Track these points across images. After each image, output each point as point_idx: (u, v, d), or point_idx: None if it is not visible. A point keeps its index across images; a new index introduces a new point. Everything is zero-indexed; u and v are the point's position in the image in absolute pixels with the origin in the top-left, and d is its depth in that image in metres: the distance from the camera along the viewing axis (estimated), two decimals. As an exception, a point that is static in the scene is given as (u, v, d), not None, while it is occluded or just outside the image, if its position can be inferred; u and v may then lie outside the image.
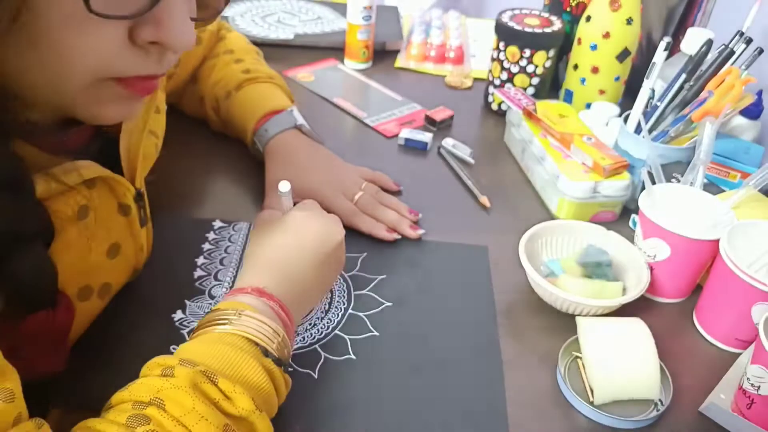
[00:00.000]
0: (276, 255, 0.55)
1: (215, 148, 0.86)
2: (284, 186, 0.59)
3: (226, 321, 0.48)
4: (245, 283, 0.52)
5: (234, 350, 0.46)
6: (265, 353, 0.47)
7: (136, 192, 0.56)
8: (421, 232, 0.73)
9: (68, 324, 0.50)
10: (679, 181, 0.71)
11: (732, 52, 0.73)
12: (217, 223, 0.73)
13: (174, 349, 0.57)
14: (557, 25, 0.93)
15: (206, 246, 0.69)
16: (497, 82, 0.97)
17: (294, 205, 0.62)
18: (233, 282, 0.65)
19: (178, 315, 0.61)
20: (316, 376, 0.57)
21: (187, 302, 0.62)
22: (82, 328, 0.55)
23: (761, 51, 0.71)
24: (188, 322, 0.60)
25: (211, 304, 0.62)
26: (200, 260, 0.67)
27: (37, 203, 0.44)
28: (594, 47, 0.90)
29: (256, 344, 0.47)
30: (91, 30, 0.39)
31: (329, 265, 0.58)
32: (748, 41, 0.73)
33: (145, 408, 0.41)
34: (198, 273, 0.66)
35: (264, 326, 0.48)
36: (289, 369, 0.50)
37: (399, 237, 0.73)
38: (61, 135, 0.49)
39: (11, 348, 0.43)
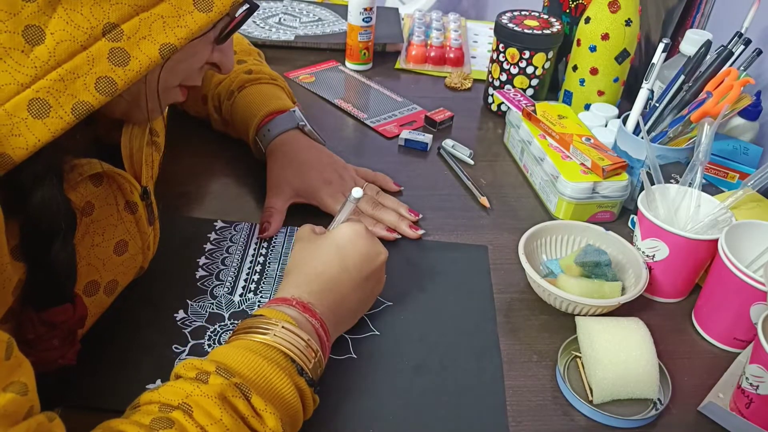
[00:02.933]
0: (321, 271, 0.55)
1: (217, 148, 0.86)
2: (357, 192, 0.59)
3: (268, 331, 0.48)
4: (289, 294, 0.53)
5: (271, 366, 0.46)
6: (300, 371, 0.48)
7: (142, 189, 0.56)
8: (421, 232, 0.74)
9: (83, 318, 0.50)
10: (677, 181, 0.71)
11: (731, 53, 0.73)
12: (219, 223, 0.73)
13: (176, 348, 0.58)
14: (556, 26, 0.94)
15: (208, 246, 0.69)
16: (497, 83, 0.98)
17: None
18: (235, 282, 0.65)
19: (180, 314, 0.61)
20: (317, 375, 0.57)
21: (189, 302, 0.63)
22: (88, 323, 0.55)
23: (760, 52, 0.72)
24: (190, 322, 0.60)
25: (212, 303, 0.63)
26: (202, 260, 0.68)
27: (66, 197, 0.46)
28: (593, 48, 0.91)
29: (293, 360, 0.48)
30: (200, 50, 0.50)
31: (369, 286, 0.59)
32: (747, 42, 0.73)
33: (171, 411, 0.41)
34: (200, 273, 0.66)
35: (302, 342, 0.49)
36: (318, 388, 0.51)
37: (399, 237, 0.73)
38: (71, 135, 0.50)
39: (30, 341, 0.44)
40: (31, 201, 0.43)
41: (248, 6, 0.51)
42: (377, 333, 0.62)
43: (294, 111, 0.79)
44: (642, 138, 0.73)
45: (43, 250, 0.45)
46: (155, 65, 0.43)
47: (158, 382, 0.54)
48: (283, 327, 0.49)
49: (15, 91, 0.39)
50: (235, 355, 0.46)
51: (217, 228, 0.72)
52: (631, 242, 0.69)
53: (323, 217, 0.73)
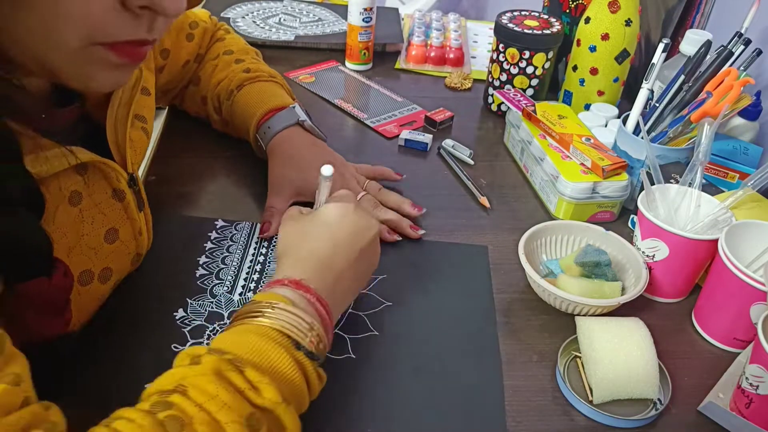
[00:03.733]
0: (311, 247, 0.54)
1: (217, 148, 0.86)
2: (327, 170, 0.57)
3: (259, 313, 0.47)
4: (282, 275, 0.52)
5: (264, 340, 0.45)
6: (297, 346, 0.47)
7: (129, 176, 0.56)
8: (421, 232, 0.74)
9: (67, 288, 0.49)
10: (677, 181, 0.71)
11: (731, 53, 0.73)
12: (219, 223, 0.73)
13: (176, 348, 0.58)
14: (556, 26, 0.94)
15: (208, 245, 0.69)
16: (497, 83, 0.98)
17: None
18: (235, 281, 0.65)
19: (180, 313, 0.61)
20: (316, 375, 0.57)
21: (189, 300, 0.63)
22: (88, 311, 0.55)
23: (760, 52, 0.72)
24: (190, 321, 0.60)
25: (212, 302, 0.63)
26: (202, 259, 0.68)
27: (24, 170, 0.43)
28: (593, 48, 0.91)
29: (289, 336, 0.47)
30: None
31: (364, 259, 0.57)
32: (747, 42, 0.73)
33: (169, 395, 0.41)
34: (200, 272, 0.66)
35: (297, 319, 0.48)
36: (321, 361, 0.49)
37: (400, 238, 0.73)
38: (48, 114, 0.49)
39: (11, 315, 0.43)
40: None
41: None
42: (377, 333, 0.62)
43: (294, 107, 0.79)
44: (642, 138, 0.73)
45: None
46: None
47: None
48: (274, 306, 0.48)
49: None
50: (228, 337, 0.46)
51: (218, 227, 0.72)
52: (631, 242, 0.69)
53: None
